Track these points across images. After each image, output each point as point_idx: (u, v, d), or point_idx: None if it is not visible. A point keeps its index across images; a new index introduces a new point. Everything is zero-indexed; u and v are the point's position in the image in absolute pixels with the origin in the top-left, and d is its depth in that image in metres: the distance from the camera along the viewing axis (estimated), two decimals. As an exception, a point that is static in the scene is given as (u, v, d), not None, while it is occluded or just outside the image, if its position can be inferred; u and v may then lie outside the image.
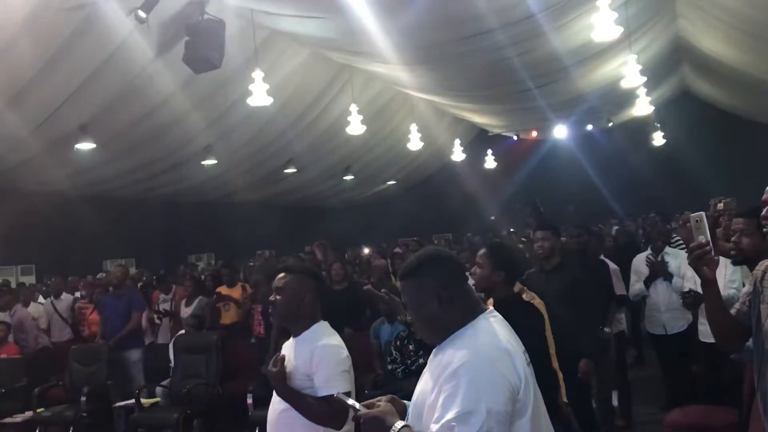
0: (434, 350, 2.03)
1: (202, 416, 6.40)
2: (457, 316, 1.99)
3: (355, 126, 11.45)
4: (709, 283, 2.41)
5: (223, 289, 8.23)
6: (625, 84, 11.01)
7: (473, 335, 1.94)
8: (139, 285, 9.89)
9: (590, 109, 16.24)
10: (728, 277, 4.43)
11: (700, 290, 2.56)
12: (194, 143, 12.31)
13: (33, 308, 9.09)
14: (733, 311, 2.54)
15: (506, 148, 20.29)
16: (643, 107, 13.67)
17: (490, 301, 3.66)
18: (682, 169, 17.08)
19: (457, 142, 18.10)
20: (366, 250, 14.73)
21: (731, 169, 15.60)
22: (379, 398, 2.05)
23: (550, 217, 10.28)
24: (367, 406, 2.01)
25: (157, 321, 8.50)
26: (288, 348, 2.94)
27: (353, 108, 11.42)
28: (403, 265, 2.17)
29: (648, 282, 5.79)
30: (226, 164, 13.63)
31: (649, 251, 5.99)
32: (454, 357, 1.87)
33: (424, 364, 2.08)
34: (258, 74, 8.50)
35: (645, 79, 11.26)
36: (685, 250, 3.78)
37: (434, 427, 1.81)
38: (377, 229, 19.73)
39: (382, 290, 6.01)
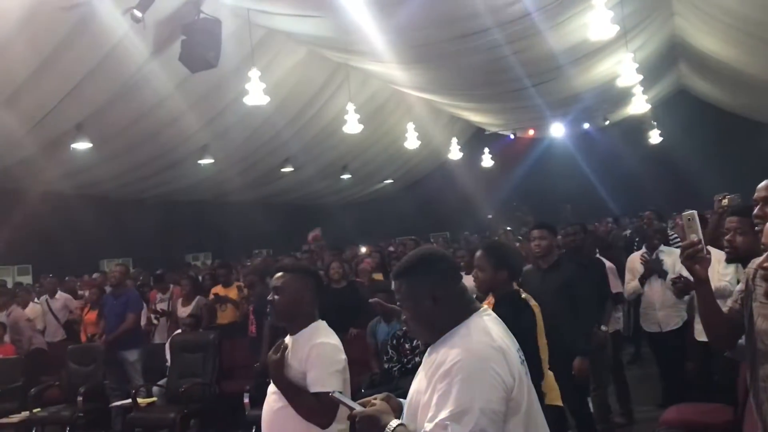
0: (428, 349, 2.04)
1: (198, 415, 6.41)
2: (451, 315, 1.99)
3: (352, 125, 11.45)
4: (702, 281, 2.41)
5: (219, 289, 8.23)
6: (621, 82, 11.02)
7: (467, 334, 1.94)
8: (136, 284, 9.88)
9: (587, 108, 16.27)
10: (721, 270, 4.45)
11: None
12: (191, 143, 12.31)
13: (31, 308, 9.07)
14: (725, 309, 2.54)
15: (503, 146, 20.32)
16: (639, 105, 13.70)
17: (490, 299, 3.67)
18: (678, 167, 17.14)
19: (454, 140, 18.11)
20: (363, 249, 14.73)
21: (727, 167, 15.62)
22: (374, 396, 2.06)
23: (546, 215, 10.29)
24: (363, 405, 2.02)
25: (155, 321, 8.50)
26: (288, 343, 2.94)
27: (350, 107, 11.41)
28: (397, 264, 2.18)
29: (643, 280, 5.80)
30: (222, 163, 13.63)
31: (643, 250, 6.01)
32: (448, 356, 1.88)
33: (420, 363, 2.09)
34: (254, 73, 8.49)
35: (641, 77, 11.27)
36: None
37: (428, 426, 1.82)
38: (374, 228, 19.74)
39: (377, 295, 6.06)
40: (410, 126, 14.42)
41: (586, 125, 19.11)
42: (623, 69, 10.46)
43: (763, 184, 2.54)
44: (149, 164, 12.81)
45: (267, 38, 9.56)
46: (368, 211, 21.36)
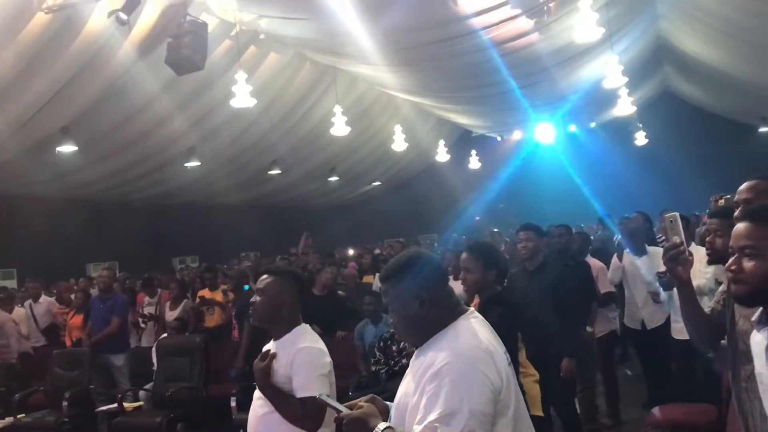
0: (416, 352, 2.04)
1: (185, 420, 6.36)
2: (438, 317, 2.00)
3: (340, 127, 11.45)
4: (684, 283, 2.43)
5: (205, 293, 8.20)
6: (607, 84, 11.10)
7: (455, 336, 1.95)
8: (123, 288, 9.81)
9: (573, 110, 16.34)
10: (702, 269, 4.49)
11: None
12: (177, 145, 12.26)
13: (16, 313, 8.98)
14: (707, 310, 2.57)
15: (490, 148, 20.37)
16: (625, 107, 13.78)
17: (475, 301, 3.68)
18: (664, 169, 17.25)
19: (442, 142, 18.15)
20: (351, 252, 14.72)
21: (712, 168, 15.74)
22: (360, 399, 2.06)
23: (533, 217, 10.31)
24: (349, 408, 2.02)
25: (142, 325, 8.45)
26: (272, 349, 2.93)
27: (337, 109, 11.42)
28: (384, 267, 2.18)
29: (620, 254, 5.94)
30: (209, 166, 13.58)
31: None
32: (436, 358, 1.89)
33: (408, 365, 2.10)
34: (241, 76, 8.48)
35: (627, 79, 11.35)
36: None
37: (417, 428, 1.82)
38: (363, 230, 19.73)
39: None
40: (398, 128, 14.44)
41: (573, 127, 19.20)
42: (609, 71, 10.53)
43: (744, 186, 2.57)
44: (135, 167, 12.74)
45: (254, 40, 9.54)
46: (356, 213, 21.33)
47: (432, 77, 11.63)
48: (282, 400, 2.75)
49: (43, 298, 9.43)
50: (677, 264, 2.38)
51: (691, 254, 2.38)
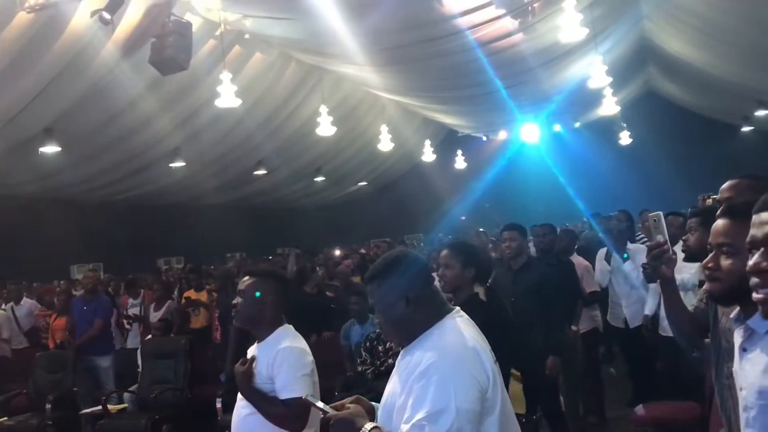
0: (402, 352, 2.05)
1: (170, 421, 6.33)
2: (424, 317, 2.00)
3: (325, 127, 11.44)
4: (667, 281, 2.45)
5: (191, 294, 8.16)
6: (591, 84, 11.16)
7: (441, 335, 1.96)
8: (108, 289, 9.75)
9: (558, 110, 16.43)
10: (687, 263, 4.53)
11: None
12: (162, 146, 12.19)
13: (-1, 315, 8.90)
14: (691, 308, 2.59)
15: (476, 148, 20.43)
16: (609, 107, 13.86)
17: None
18: (647, 168, 17.39)
19: (428, 143, 18.18)
20: (337, 252, 14.70)
21: (695, 168, 15.90)
22: (345, 400, 2.06)
23: (518, 216, 10.36)
24: (335, 408, 2.02)
25: (127, 326, 8.39)
26: (252, 352, 2.92)
27: (323, 109, 11.40)
28: (370, 267, 2.18)
29: (608, 258, 5.92)
30: (194, 166, 13.52)
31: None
32: (423, 358, 1.89)
33: (394, 365, 2.10)
34: (226, 76, 8.44)
35: (611, 79, 11.42)
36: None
37: (405, 427, 1.83)
38: (349, 230, 19.73)
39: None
40: (384, 128, 14.44)
41: (557, 127, 19.29)
42: (593, 71, 10.59)
43: (726, 185, 2.60)
44: (120, 167, 12.66)
45: (238, 40, 9.51)
46: (342, 213, 21.33)
47: (417, 77, 11.66)
48: (265, 403, 2.74)
49: (25, 300, 9.33)
50: (661, 263, 2.40)
51: (674, 253, 2.40)
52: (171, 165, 12.87)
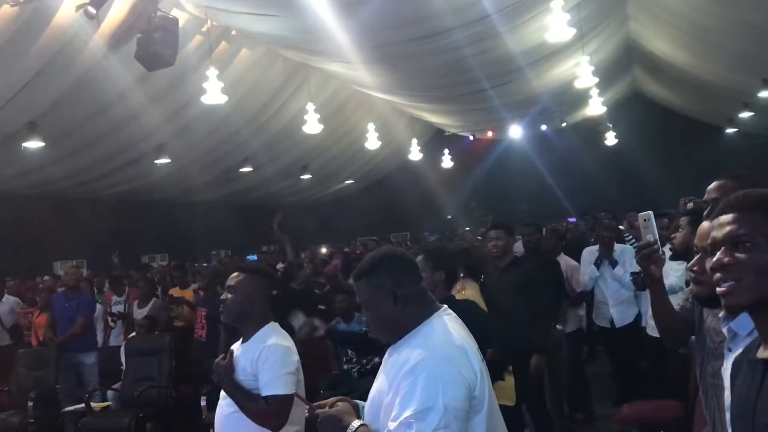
0: (389, 349, 2.04)
1: (154, 419, 6.29)
2: (412, 315, 2.00)
3: (312, 125, 11.41)
4: (656, 281, 2.47)
5: (175, 291, 8.11)
6: (578, 84, 11.21)
7: (429, 333, 1.96)
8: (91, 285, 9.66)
9: (544, 110, 16.49)
10: (675, 266, 4.57)
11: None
12: (147, 142, 12.09)
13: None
14: (677, 307, 2.61)
15: (462, 147, 20.48)
16: (595, 108, 13.94)
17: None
18: (633, 169, 17.52)
19: (415, 141, 18.19)
20: (324, 250, 14.70)
21: (680, 169, 16.05)
22: (328, 399, 2.06)
23: (504, 215, 10.41)
24: (321, 407, 2.02)
25: (111, 324, 8.33)
26: (237, 350, 2.91)
27: (310, 107, 11.37)
28: (357, 265, 2.18)
29: (597, 263, 5.93)
30: (180, 163, 13.43)
31: (597, 246, 6.16)
32: (411, 356, 1.89)
33: (380, 364, 2.09)
34: (212, 72, 8.40)
35: (597, 80, 11.48)
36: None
37: (392, 424, 1.82)
38: (335, 228, 19.72)
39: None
40: (371, 126, 14.44)
41: (544, 127, 19.38)
42: (580, 71, 10.64)
43: (713, 185, 2.61)
44: (104, 163, 12.55)
45: (225, 37, 9.46)
46: (329, 211, 21.30)
47: (405, 75, 11.65)
48: (245, 400, 2.73)
49: (7, 297, 9.23)
50: (650, 262, 2.41)
51: (664, 253, 2.42)
52: (156, 161, 12.79)
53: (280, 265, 10.06)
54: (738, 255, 1.37)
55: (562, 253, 6.44)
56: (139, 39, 7.15)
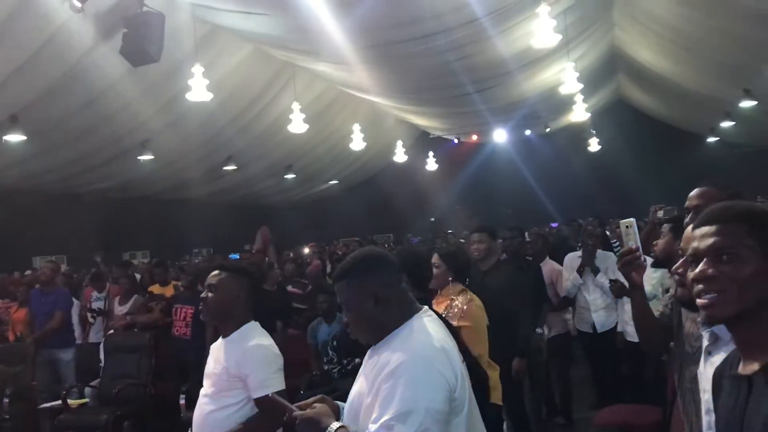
0: (369, 351, 2.04)
1: (132, 417, 6.23)
2: (393, 316, 2.00)
3: (297, 124, 11.38)
4: (636, 288, 2.49)
5: (155, 288, 8.05)
6: (563, 90, 11.27)
7: (409, 335, 1.96)
8: (72, 280, 9.57)
9: (529, 115, 16.56)
10: (650, 275, 4.61)
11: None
12: (131, 138, 12.01)
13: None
14: (656, 313, 2.63)
15: (447, 150, 20.53)
16: (579, 114, 14.02)
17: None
18: (616, 175, 17.64)
19: (400, 143, 18.20)
20: (306, 250, 14.66)
21: (662, 176, 16.18)
22: (309, 399, 2.05)
23: (488, 219, 10.45)
24: (300, 408, 2.01)
25: (91, 320, 8.25)
26: (217, 348, 2.90)
27: (295, 106, 11.34)
28: (339, 265, 2.17)
29: (579, 270, 5.97)
30: (163, 160, 13.35)
31: (580, 252, 6.19)
32: (391, 357, 1.89)
33: (361, 364, 2.09)
34: (198, 69, 8.36)
35: (582, 86, 11.55)
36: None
37: (372, 426, 1.82)
38: (319, 228, 19.67)
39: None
40: (356, 127, 14.43)
41: (528, 132, 19.47)
42: (565, 77, 10.70)
43: (693, 192, 2.64)
44: (87, 159, 12.44)
45: (211, 34, 9.41)
46: (313, 211, 21.26)
47: (391, 77, 11.66)
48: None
49: (-15, 293, 9.12)
50: (632, 269, 2.43)
51: (645, 260, 2.44)
52: (140, 158, 12.70)
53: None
54: (721, 267, 1.36)
55: (548, 257, 6.47)
56: (124, 35, 7.09)
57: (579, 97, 13.17)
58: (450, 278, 3.83)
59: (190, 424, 2.92)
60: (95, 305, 8.29)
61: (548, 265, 6.31)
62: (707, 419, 1.82)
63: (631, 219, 2.47)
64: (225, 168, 15.21)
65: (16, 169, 11.92)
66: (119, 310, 7.71)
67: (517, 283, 4.79)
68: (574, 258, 6.16)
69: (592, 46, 12.72)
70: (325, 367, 5.77)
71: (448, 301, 3.84)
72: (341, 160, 18.33)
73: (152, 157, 12.71)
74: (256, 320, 2.92)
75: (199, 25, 8.61)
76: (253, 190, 18.85)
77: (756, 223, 1.38)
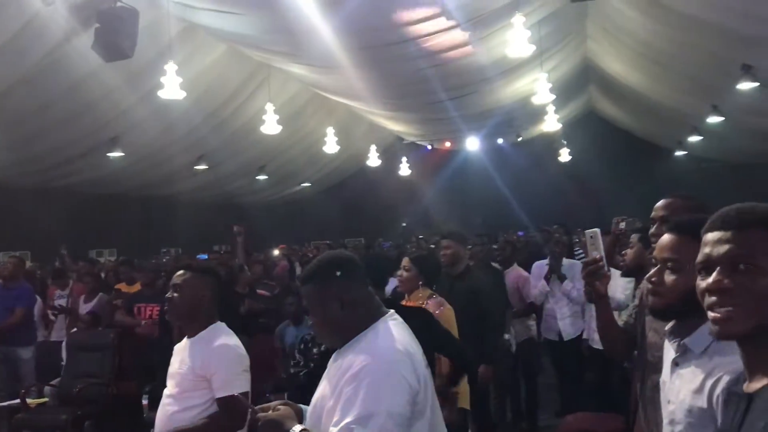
0: (334, 354, 2.04)
1: (93, 417, 6.14)
2: (358, 319, 2.00)
3: (271, 125, 11.33)
4: (601, 297, 2.52)
5: (122, 286, 7.95)
6: (535, 100, 11.38)
7: (374, 339, 1.96)
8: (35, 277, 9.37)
9: (501, 124, 16.68)
10: (623, 285, 4.67)
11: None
12: (101, 134, 11.84)
13: None
14: (621, 323, 2.67)
15: (421, 156, 20.60)
16: (551, 124, 14.17)
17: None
18: (585, 185, 17.87)
19: (373, 148, 18.20)
20: (276, 252, 14.58)
21: (630, 187, 16.40)
22: (272, 402, 2.05)
23: (459, 225, 10.50)
24: (263, 410, 2.00)
25: (52, 317, 8.10)
26: (182, 348, 2.87)
27: (269, 107, 11.29)
28: (305, 268, 2.17)
29: (547, 278, 6.04)
30: (133, 157, 13.18)
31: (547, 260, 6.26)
32: (355, 360, 1.89)
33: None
34: (171, 67, 8.27)
35: (554, 97, 11.67)
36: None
37: (333, 429, 1.81)
38: (290, 230, 19.58)
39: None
40: (330, 130, 14.40)
41: (500, 140, 19.62)
42: (538, 87, 10.81)
43: (660, 203, 2.68)
44: (55, 154, 12.22)
45: (186, 32, 9.33)
46: (286, 213, 21.16)
47: (365, 82, 11.65)
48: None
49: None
50: (596, 278, 2.46)
51: (609, 269, 2.47)
52: (109, 154, 12.53)
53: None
54: (737, 278, 1.25)
55: (515, 264, 6.54)
56: (97, 29, 7.00)
57: (551, 108, 13.30)
58: (420, 282, 3.86)
59: (152, 424, 2.89)
60: (58, 303, 8.14)
61: (514, 272, 6.39)
62: (670, 429, 1.84)
63: (596, 229, 2.50)
64: (196, 167, 15.07)
65: (-21, 162, 11.70)
66: (83, 308, 7.60)
67: (486, 290, 4.83)
68: (542, 266, 6.23)
69: (565, 57, 12.87)
70: (292, 371, 5.74)
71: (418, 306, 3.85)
72: (314, 162, 18.27)
73: (122, 154, 12.55)
74: (223, 321, 2.90)
75: (173, 23, 8.52)
76: (225, 191, 18.70)
77: None
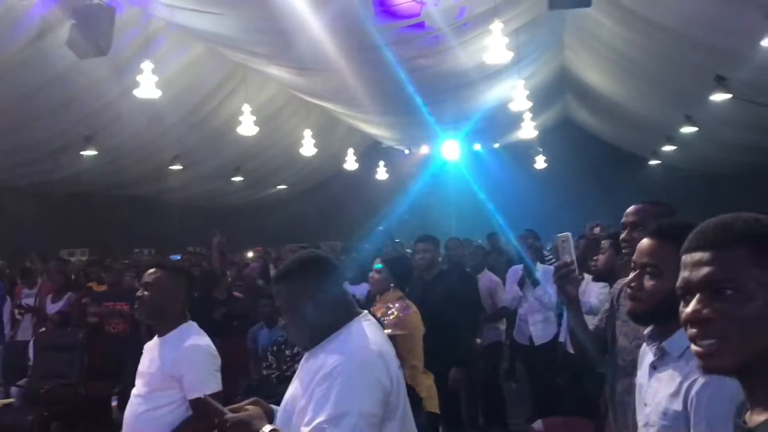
0: (306, 354, 2.03)
1: (60, 418, 6.03)
2: (331, 319, 2.00)
3: (247, 126, 11.26)
4: (572, 300, 2.54)
5: (94, 285, 7.84)
6: (512, 107, 11.45)
7: (347, 339, 1.96)
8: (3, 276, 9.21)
9: (478, 129, 16.77)
10: (597, 290, 4.71)
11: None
12: (74, 132, 11.68)
13: None
14: (592, 327, 2.69)
15: (398, 160, 20.64)
16: (528, 131, 14.26)
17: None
18: (560, 192, 18.03)
19: (351, 151, 18.19)
20: (250, 254, 14.49)
21: (606, 195, 16.55)
22: (243, 402, 2.03)
23: (434, 230, 10.52)
24: (233, 411, 1.98)
25: (18, 316, 7.96)
26: (152, 347, 2.84)
27: (246, 108, 11.22)
28: (278, 268, 2.16)
29: (520, 284, 6.09)
30: (107, 156, 13.02)
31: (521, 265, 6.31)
32: (327, 360, 1.88)
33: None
34: (147, 65, 8.20)
35: (531, 104, 11.75)
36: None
37: (305, 429, 1.81)
38: (265, 232, 19.47)
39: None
40: (307, 132, 14.35)
41: (477, 146, 19.72)
42: (515, 94, 10.88)
43: (631, 209, 2.71)
44: (27, 152, 12.02)
45: (163, 30, 9.25)
46: (261, 215, 21.03)
47: (343, 85, 11.63)
48: None
49: None
50: (567, 282, 2.48)
51: (581, 274, 2.49)
52: (83, 153, 12.37)
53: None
54: (719, 306, 1.09)
55: (486, 269, 6.59)
56: (72, 26, 6.92)
57: (528, 115, 13.39)
58: (392, 284, 3.89)
59: (121, 425, 2.85)
60: (25, 302, 8.01)
61: (486, 276, 6.45)
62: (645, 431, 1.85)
63: (567, 233, 2.52)
64: (171, 167, 14.93)
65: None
66: (51, 307, 7.48)
67: (458, 294, 4.85)
68: (516, 271, 6.28)
69: (542, 65, 12.97)
70: (264, 373, 5.71)
71: (384, 309, 3.86)
72: (291, 164, 18.19)
73: (96, 152, 12.39)
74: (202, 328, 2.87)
75: (150, 20, 8.45)
76: (200, 191, 18.55)
77: (763, 246, 1.10)
